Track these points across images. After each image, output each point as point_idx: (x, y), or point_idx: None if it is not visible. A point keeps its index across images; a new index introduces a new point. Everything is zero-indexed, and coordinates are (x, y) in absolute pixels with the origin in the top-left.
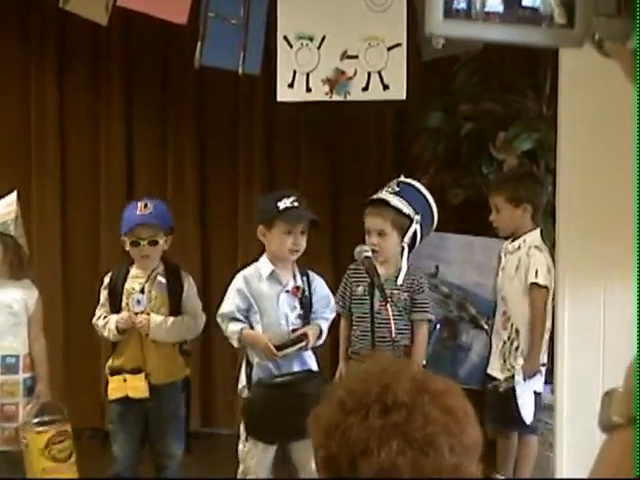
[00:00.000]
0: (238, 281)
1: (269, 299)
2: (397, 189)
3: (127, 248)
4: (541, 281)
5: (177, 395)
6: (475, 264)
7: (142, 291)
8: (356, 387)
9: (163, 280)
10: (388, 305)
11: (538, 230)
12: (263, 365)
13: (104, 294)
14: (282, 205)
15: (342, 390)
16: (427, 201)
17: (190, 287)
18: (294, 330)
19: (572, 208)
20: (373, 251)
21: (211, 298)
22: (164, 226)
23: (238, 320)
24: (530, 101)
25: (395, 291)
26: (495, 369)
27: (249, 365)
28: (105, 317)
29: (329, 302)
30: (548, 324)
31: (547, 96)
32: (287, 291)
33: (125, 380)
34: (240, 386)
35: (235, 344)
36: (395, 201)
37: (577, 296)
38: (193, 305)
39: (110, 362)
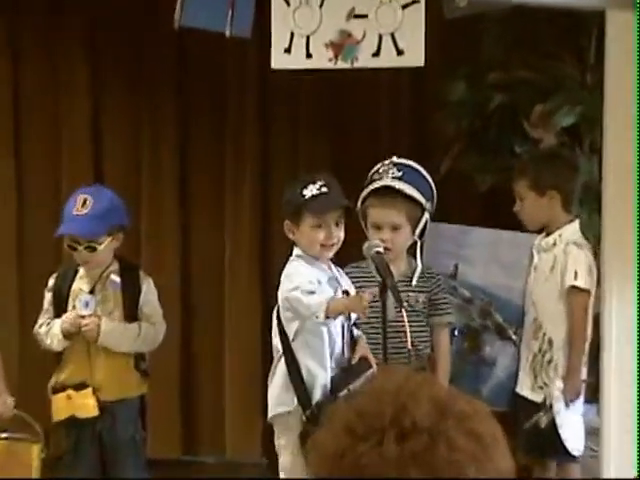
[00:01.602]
0: (308, 276)
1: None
2: (399, 173)
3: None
4: (581, 283)
5: (133, 416)
6: (502, 263)
7: (92, 292)
8: (367, 408)
9: (117, 279)
10: (403, 310)
11: (576, 223)
12: (322, 376)
13: (48, 297)
14: (308, 193)
15: (350, 412)
16: (430, 186)
17: (150, 289)
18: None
19: (621, 195)
20: (383, 248)
21: (191, 304)
22: (104, 228)
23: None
24: (571, 68)
25: (411, 293)
26: (525, 387)
27: (298, 378)
28: (49, 324)
29: None
30: (589, 332)
31: (592, 63)
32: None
33: (70, 397)
34: (279, 410)
35: (322, 316)
36: (407, 189)
37: (626, 301)
38: (152, 310)
39: (53, 379)
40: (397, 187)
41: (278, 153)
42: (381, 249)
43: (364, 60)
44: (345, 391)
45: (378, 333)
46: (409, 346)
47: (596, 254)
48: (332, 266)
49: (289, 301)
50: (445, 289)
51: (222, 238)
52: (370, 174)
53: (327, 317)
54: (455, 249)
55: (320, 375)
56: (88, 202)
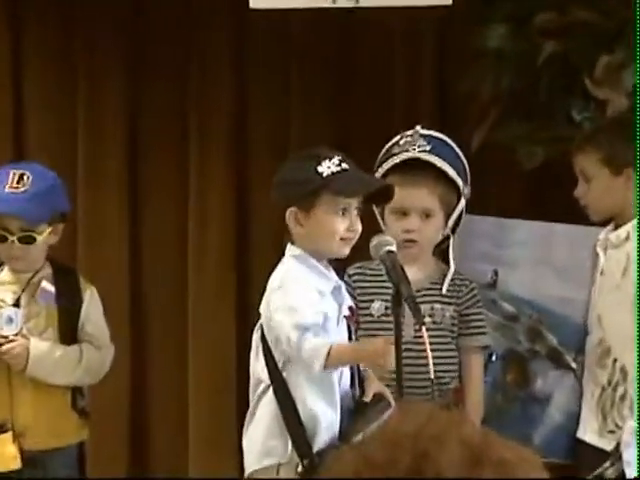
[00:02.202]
0: (308, 289)
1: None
2: (428, 146)
3: None
4: None
5: (68, 470)
6: (556, 267)
7: (17, 304)
8: (379, 456)
9: (50, 289)
10: (424, 328)
11: None
12: (328, 415)
13: None
14: (325, 170)
15: (357, 460)
16: (464, 166)
17: (93, 302)
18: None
19: None
20: (407, 241)
21: (143, 316)
22: (47, 212)
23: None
24: None
25: (437, 305)
26: (591, 431)
27: (293, 417)
28: None
29: None
30: None
31: None
32: (344, 316)
33: None
34: (267, 463)
35: (317, 367)
36: (441, 163)
37: None
38: (97, 329)
39: None
40: (430, 160)
41: (260, 124)
42: (394, 247)
43: None
44: (359, 436)
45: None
46: (431, 375)
47: None
48: (334, 274)
49: (281, 338)
50: (480, 302)
51: (184, 231)
52: (387, 147)
53: (325, 367)
54: (493, 250)
55: (325, 413)
56: (26, 178)
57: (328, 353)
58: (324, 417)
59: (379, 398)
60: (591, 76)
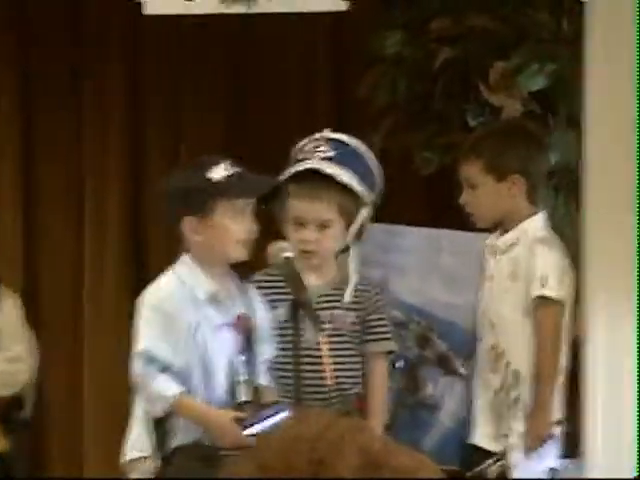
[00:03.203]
0: (157, 307)
1: (212, 341)
2: (332, 152)
3: None
4: (551, 293)
5: None
6: (444, 273)
7: None
8: (273, 463)
9: None
10: (320, 334)
11: (542, 215)
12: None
13: None
14: (216, 175)
15: (251, 467)
16: (371, 170)
17: (12, 310)
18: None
19: (606, 178)
20: (306, 252)
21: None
22: None
23: (168, 373)
24: (543, 15)
25: (337, 311)
26: (486, 436)
27: (161, 425)
28: None
29: (270, 336)
30: (564, 360)
31: (569, 7)
32: (227, 325)
33: None
34: (135, 455)
35: (159, 411)
36: (341, 174)
37: (615, 315)
38: (15, 338)
39: None
40: (327, 172)
41: (153, 132)
42: (290, 254)
43: (266, 3)
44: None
45: (290, 366)
46: (329, 382)
47: (574, 256)
48: (231, 280)
49: (132, 369)
50: (384, 307)
51: (81, 244)
52: (293, 152)
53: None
54: (381, 255)
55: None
56: None
57: (178, 402)
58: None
59: (274, 404)
60: (486, 82)
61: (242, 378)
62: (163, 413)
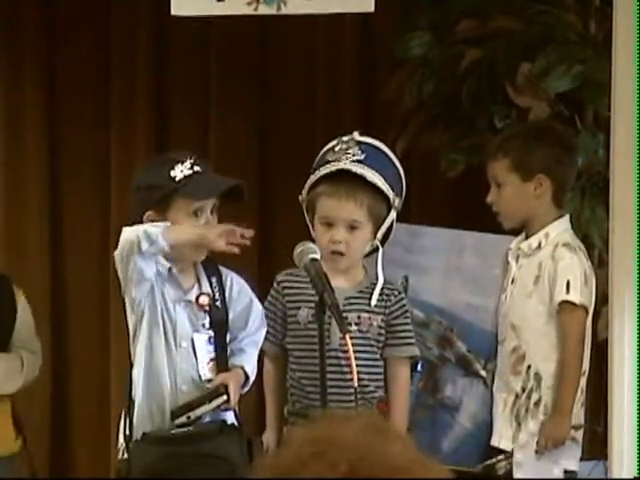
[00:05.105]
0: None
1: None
2: (362, 155)
3: None
4: (575, 298)
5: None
6: (467, 274)
7: None
8: (291, 468)
9: None
10: (347, 337)
11: (566, 219)
12: (151, 412)
13: None
14: (179, 174)
15: (272, 472)
16: (400, 176)
17: (26, 309)
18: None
19: (633, 180)
20: (334, 252)
21: (64, 316)
22: None
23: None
24: (570, 16)
25: (364, 314)
26: (505, 438)
27: (129, 415)
28: None
29: (257, 316)
30: (586, 364)
31: (596, 9)
32: (188, 301)
33: None
34: (119, 446)
35: (161, 241)
36: (371, 175)
37: None
38: (31, 335)
39: None
40: (358, 172)
41: (180, 133)
42: (317, 255)
43: (294, 5)
44: (184, 419)
45: (316, 368)
46: (355, 384)
47: (600, 260)
48: (200, 267)
49: (120, 246)
50: (408, 312)
51: (106, 230)
52: (322, 153)
53: (170, 244)
54: (404, 256)
55: (150, 398)
56: None
57: (170, 228)
58: (148, 402)
59: (221, 387)
60: (513, 83)
61: (208, 356)
62: (165, 245)
